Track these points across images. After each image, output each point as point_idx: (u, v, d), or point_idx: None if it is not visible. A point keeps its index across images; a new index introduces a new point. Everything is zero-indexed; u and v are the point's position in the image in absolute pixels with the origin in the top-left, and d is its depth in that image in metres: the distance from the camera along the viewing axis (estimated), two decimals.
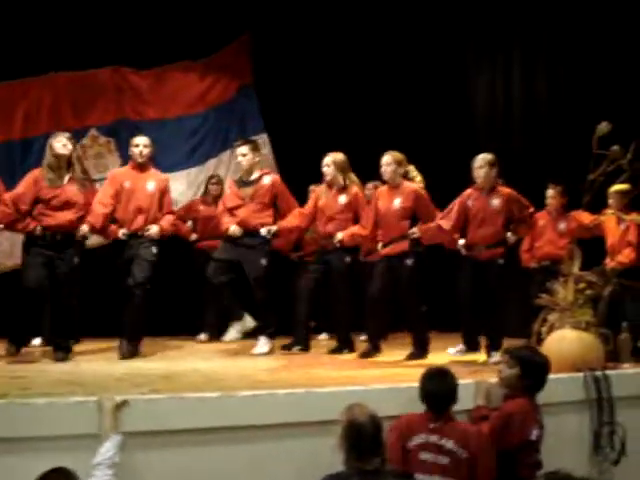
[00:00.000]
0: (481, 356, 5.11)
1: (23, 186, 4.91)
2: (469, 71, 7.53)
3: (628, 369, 4.32)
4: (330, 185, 5.51)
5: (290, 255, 6.62)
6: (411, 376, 3.82)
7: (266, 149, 6.92)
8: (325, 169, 5.48)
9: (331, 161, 5.43)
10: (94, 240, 5.71)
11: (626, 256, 5.48)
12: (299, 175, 6.23)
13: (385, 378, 4.14)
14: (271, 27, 7.15)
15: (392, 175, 5.18)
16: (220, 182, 6.66)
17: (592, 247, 5.41)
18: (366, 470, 2.73)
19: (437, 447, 3.16)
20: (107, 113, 6.79)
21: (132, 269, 5.09)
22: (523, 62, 7.12)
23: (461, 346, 5.33)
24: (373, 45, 7.38)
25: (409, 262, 5.08)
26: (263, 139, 6.97)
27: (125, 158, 6.75)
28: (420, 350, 5.05)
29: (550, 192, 6.16)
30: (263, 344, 5.36)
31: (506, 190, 5.08)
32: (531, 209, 5.14)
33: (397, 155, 5.21)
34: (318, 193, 5.59)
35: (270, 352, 5.32)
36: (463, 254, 5.14)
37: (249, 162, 5.49)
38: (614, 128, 4.51)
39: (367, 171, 5.75)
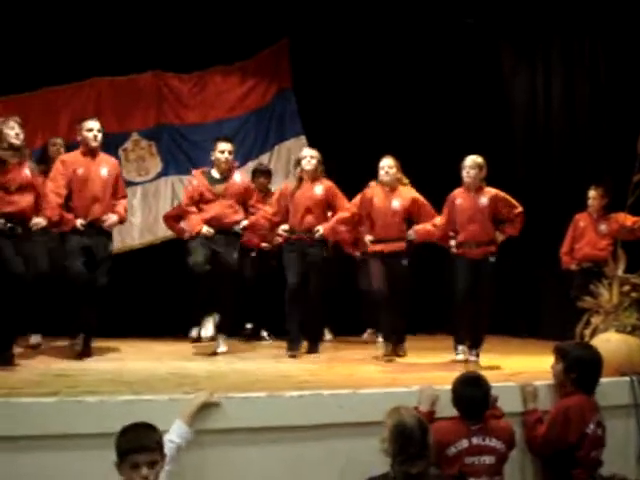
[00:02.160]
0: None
1: None
2: (508, 74, 7.47)
3: None
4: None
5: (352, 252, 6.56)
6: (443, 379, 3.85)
7: None
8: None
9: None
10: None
11: None
12: (337, 176, 6.24)
13: (426, 380, 4.12)
14: (310, 31, 7.20)
15: (393, 178, 5.30)
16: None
17: (636, 249, 5.33)
18: (411, 474, 2.73)
19: (482, 448, 3.17)
20: (148, 117, 6.92)
21: (97, 269, 4.95)
22: (563, 61, 7.04)
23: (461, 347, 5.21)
24: (412, 47, 7.38)
25: (405, 262, 5.25)
26: (303, 141, 7.04)
27: (166, 161, 6.91)
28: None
29: (592, 193, 6.09)
30: (222, 343, 5.43)
31: (493, 190, 5.11)
32: (519, 209, 5.10)
33: (395, 160, 5.35)
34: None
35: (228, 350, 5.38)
36: (454, 252, 5.18)
37: (230, 160, 5.46)
38: None
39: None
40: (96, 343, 5.24)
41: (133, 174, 6.88)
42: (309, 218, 5.41)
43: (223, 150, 5.37)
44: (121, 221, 5.20)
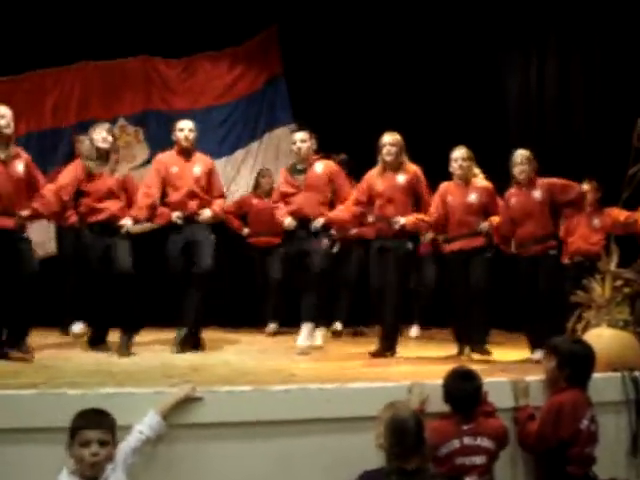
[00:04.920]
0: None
1: (64, 177, 4.88)
2: (502, 65, 7.40)
3: None
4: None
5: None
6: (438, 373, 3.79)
7: None
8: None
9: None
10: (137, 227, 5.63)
11: None
12: None
13: (418, 374, 4.06)
14: (301, 17, 7.09)
15: (466, 171, 5.02)
16: (270, 175, 6.61)
17: (627, 244, 5.28)
18: (407, 469, 2.68)
19: (473, 448, 3.12)
20: (136, 103, 6.80)
21: (197, 257, 5.03)
22: (558, 54, 6.98)
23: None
24: (405, 37, 7.28)
25: (489, 255, 5.03)
26: (292, 129, 6.93)
27: (153, 148, 6.78)
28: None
29: (585, 187, 6.02)
30: (319, 337, 5.27)
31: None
32: (578, 188, 5.03)
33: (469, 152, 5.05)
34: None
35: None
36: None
37: (308, 149, 5.26)
38: None
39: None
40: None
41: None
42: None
43: (182, 128, 5.21)
44: (215, 218, 5.23)
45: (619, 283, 4.35)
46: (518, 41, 7.32)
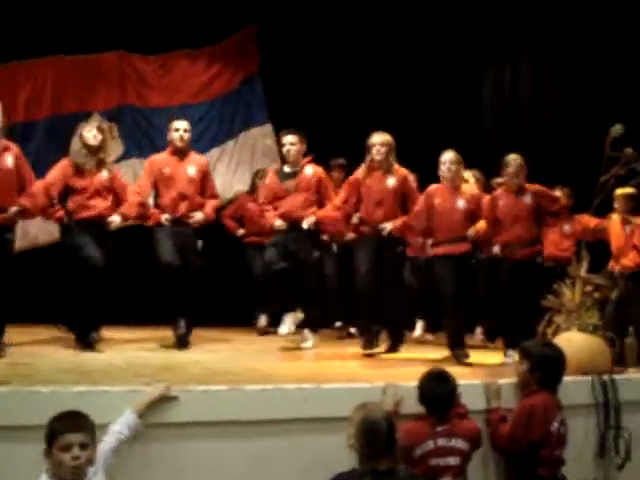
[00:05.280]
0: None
1: (53, 174, 4.86)
2: (477, 71, 7.48)
3: (634, 374, 4.30)
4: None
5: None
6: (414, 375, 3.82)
7: (270, 140, 6.89)
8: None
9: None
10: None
11: (631, 260, 5.49)
12: None
13: (393, 376, 4.08)
14: (278, 17, 7.07)
15: (455, 176, 4.95)
16: (267, 176, 6.56)
17: (597, 250, 5.39)
18: (379, 470, 2.69)
19: (447, 449, 3.15)
20: (110, 98, 6.72)
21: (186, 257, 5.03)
22: (532, 60, 7.08)
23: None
24: (380, 37, 7.32)
25: (474, 262, 5.07)
26: (267, 129, 6.94)
27: (127, 145, 6.72)
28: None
29: (557, 193, 6.12)
30: (310, 338, 5.29)
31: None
32: (561, 201, 5.12)
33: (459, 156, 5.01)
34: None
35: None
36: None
37: (297, 152, 5.23)
38: (627, 130, 4.48)
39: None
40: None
41: None
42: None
43: (178, 128, 5.18)
44: (207, 220, 5.19)
45: (589, 288, 4.43)
46: (492, 44, 7.40)
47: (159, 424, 3.08)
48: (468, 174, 5.41)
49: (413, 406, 3.33)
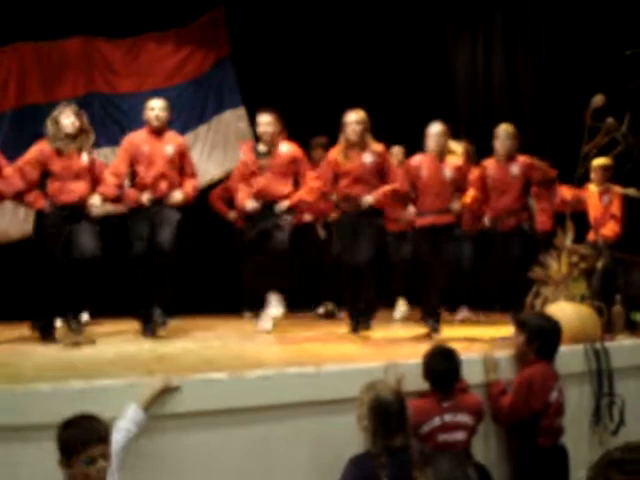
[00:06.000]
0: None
1: (27, 156, 4.73)
2: (449, 42, 7.46)
3: (623, 340, 4.37)
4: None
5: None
6: (409, 353, 3.82)
7: (243, 122, 6.79)
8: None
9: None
10: (107, 208, 5.45)
11: (610, 229, 5.55)
12: None
13: (382, 355, 4.07)
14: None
15: (443, 148, 4.98)
16: None
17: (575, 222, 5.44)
18: (393, 447, 2.69)
19: (453, 425, 3.17)
20: (77, 85, 6.52)
21: (157, 237, 4.89)
22: (504, 27, 7.05)
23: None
24: (352, 14, 7.24)
25: (457, 232, 5.09)
26: (240, 112, 6.83)
27: (98, 133, 6.52)
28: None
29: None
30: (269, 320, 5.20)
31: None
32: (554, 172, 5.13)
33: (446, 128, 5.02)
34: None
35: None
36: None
37: (273, 132, 5.14)
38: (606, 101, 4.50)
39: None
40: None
41: None
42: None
43: (153, 107, 5.07)
44: (187, 200, 5.06)
45: (575, 259, 4.48)
46: (464, 11, 7.36)
47: (161, 415, 3.02)
48: (457, 145, 5.40)
49: (414, 384, 3.34)
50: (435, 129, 4.96)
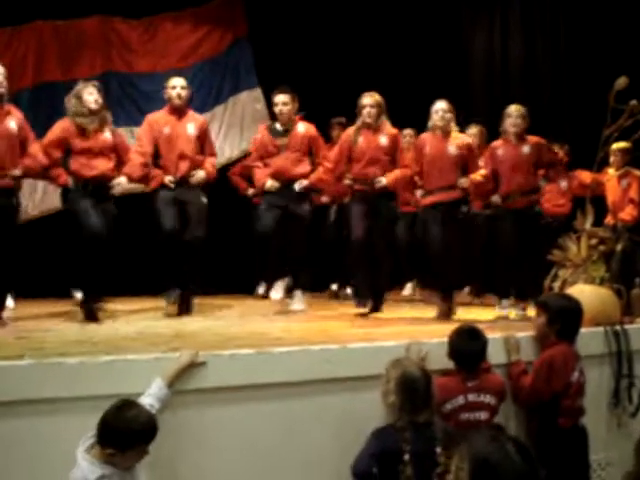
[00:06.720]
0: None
1: (52, 133, 4.76)
2: (466, 26, 7.41)
3: None
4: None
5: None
6: (431, 333, 3.85)
7: (260, 104, 6.79)
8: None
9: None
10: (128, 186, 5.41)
11: (628, 213, 5.56)
12: None
13: (400, 335, 4.10)
14: None
15: (447, 124, 4.94)
16: None
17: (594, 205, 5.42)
18: (418, 422, 2.71)
19: (477, 404, 3.19)
20: (95, 65, 6.56)
21: (190, 224, 4.94)
22: (522, 15, 7.02)
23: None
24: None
25: (464, 209, 5.06)
26: (257, 94, 6.83)
27: (114, 112, 6.53)
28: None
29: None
30: (298, 301, 5.28)
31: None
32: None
33: (451, 105, 5.00)
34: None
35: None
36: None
37: (289, 111, 5.17)
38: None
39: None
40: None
41: None
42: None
43: (175, 86, 5.07)
44: (209, 178, 5.08)
45: (594, 242, 4.48)
46: (482, 3, 7.32)
47: (185, 390, 3.04)
48: (474, 129, 5.38)
49: (437, 362, 3.35)
50: (439, 105, 4.97)
